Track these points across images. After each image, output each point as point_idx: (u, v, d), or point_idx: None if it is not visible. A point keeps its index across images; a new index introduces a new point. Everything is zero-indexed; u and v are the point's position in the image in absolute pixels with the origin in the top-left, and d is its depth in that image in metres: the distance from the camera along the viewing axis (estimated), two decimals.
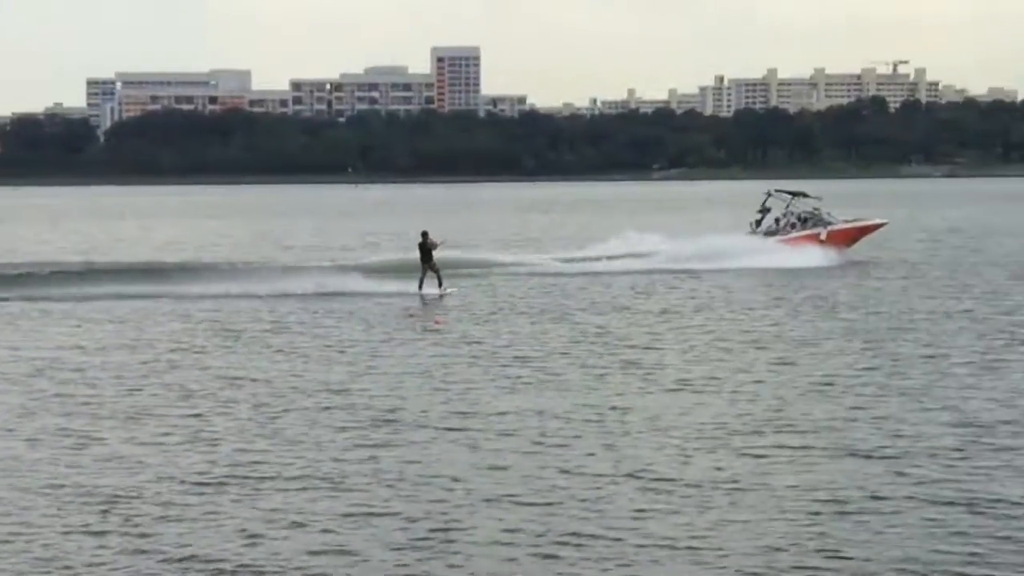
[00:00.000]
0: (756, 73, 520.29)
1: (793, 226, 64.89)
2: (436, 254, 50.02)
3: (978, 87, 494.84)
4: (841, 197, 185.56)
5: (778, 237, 64.03)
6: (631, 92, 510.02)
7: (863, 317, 41.03)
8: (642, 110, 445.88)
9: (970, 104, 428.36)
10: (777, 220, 65.71)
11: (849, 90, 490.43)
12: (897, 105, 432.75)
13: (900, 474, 20.58)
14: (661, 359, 33.05)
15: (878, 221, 68.72)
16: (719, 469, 21.19)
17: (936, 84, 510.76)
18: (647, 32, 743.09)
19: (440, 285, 49.87)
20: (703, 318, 41.70)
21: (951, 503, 18.88)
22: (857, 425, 24.25)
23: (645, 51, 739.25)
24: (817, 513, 18.57)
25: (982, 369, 30.31)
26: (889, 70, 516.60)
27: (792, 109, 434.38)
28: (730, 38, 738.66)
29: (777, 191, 68.00)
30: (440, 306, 46.76)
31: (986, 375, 29.48)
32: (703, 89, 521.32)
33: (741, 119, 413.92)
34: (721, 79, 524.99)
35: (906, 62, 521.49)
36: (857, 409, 25.74)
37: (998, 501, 18.87)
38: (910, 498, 19.20)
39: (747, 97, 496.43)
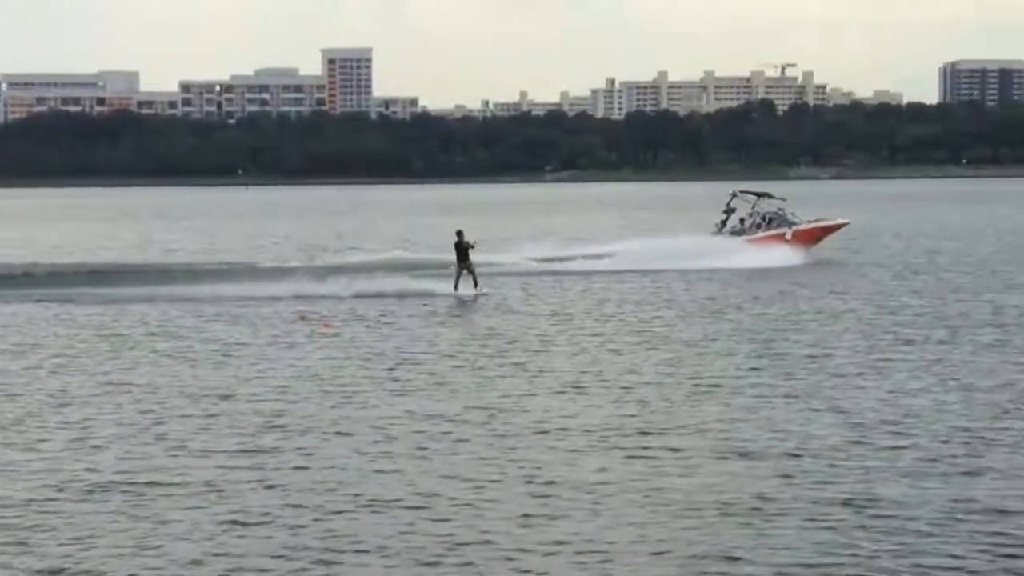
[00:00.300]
0: (646, 76, 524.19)
1: (758, 226, 65.58)
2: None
3: (865, 90, 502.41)
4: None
5: (744, 237, 64.69)
6: (523, 94, 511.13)
7: (751, 318, 41.38)
8: (534, 112, 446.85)
9: (857, 107, 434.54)
10: (742, 220, 66.38)
11: (738, 93, 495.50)
12: (785, 108, 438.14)
13: (786, 475, 20.72)
14: (550, 361, 33.06)
15: (840, 221, 69.72)
16: (607, 471, 21.21)
17: (824, 87, 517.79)
18: (539, 34, 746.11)
19: (476, 285, 49.72)
20: (593, 320, 41.81)
21: (836, 503, 19.02)
22: (744, 426, 24.40)
23: (537, 53, 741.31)
24: (704, 515, 18.64)
25: (866, 369, 30.65)
26: (777, 73, 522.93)
27: (682, 112, 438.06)
28: (621, 41, 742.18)
29: (742, 192, 68.81)
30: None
31: (870, 375, 29.81)
32: (594, 91, 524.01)
33: (632, 121, 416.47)
34: (612, 82, 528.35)
35: (794, 65, 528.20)
36: (744, 410, 25.92)
37: (881, 501, 19.05)
38: (796, 499, 19.32)
39: (638, 100, 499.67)
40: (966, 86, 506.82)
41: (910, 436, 23.20)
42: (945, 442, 22.68)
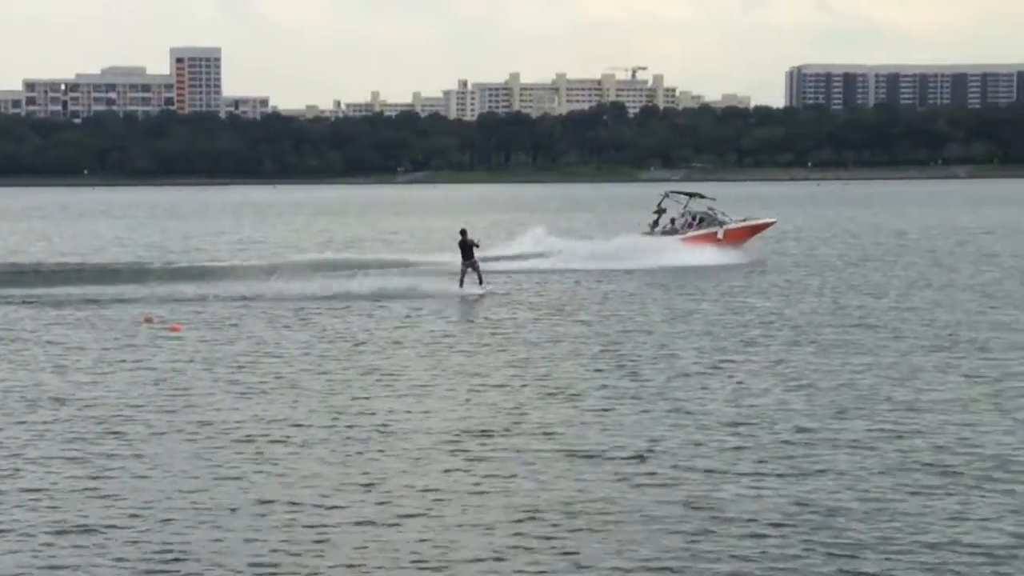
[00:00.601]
0: (499, 77, 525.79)
1: (690, 225, 66.94)
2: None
3: (713, 94, 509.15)
4: (582, 203, 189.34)
5: (677, 236, 65.86)
6: (375, 95, 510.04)
7: (600, 319, 41.57)
8: (386, 113, 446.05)
9: (706, 110, 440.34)
10: (673, 220, 67.61)
11: (590, 95, 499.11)
12: (636, 111, 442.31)
13: (629, 477, 20.77)
14: (400, 363, 32.85)
15: (767, 220, 71.64)
16: (450, 474, 21.09)
17: (673, 90, 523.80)
18: (391, 35, 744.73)
19: (480, 283, 50.00)
20: (443, 323, 41.69)
21: (678, 504, 19.09)
22: (588, 428, 24.44)
23: (389, 54, 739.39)
24: (548, 517, 18.59)
25: (711, 370, 30.92)
26: (628, 76, 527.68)
27: (534, 114, 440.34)
28: (474, 42, 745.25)
29: (674, 192, 70.70)
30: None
31: (715, 376, 30.09)
32: (447, 93, 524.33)
33: (485, 123, 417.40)
34: (465, 83, 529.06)
35: (644, 68, 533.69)
36: (589, 412, 25.97)
37: (723, 502, 19.17)
38: (639, 501, 19.35)
39: (491, 101, 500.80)
40: (812, 90, 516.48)
41: (752, 437, 23.42)
42: (786, 443, 22.91)
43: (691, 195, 69.70)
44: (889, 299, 46.36)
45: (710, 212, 68.57)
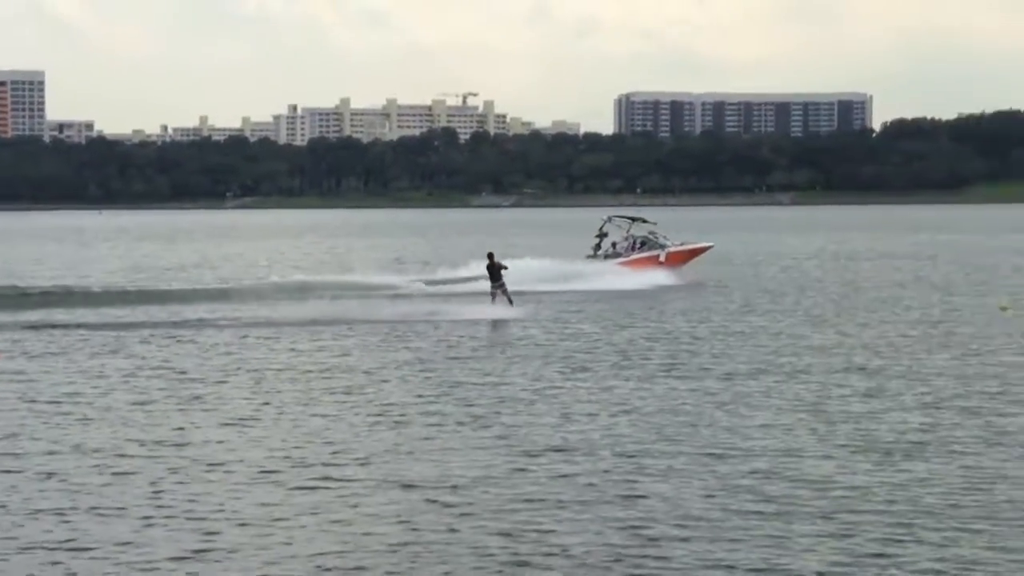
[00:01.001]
0: (329, 102, 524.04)
1: (633, 249, 69.12)
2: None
3: (544, 120, 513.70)
4: (415, 228, 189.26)
5: (620, 260, 67.77)
6: (203, 119, 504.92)
7: (430, 346, 41.40)
8: (214, 138, 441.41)
9: (536, 137, 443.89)
10: (614, 244, 69.86)
11: (421, 121, 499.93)
12: (467, 136, 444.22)
13: (449, 505, 20.58)
14: (225, 392, 32.30)
15: (705, 244, 74.31)
16: (273, 505, 20.71)
17: (504, 116, 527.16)
18: (219, 59, 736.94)
19: (510, 303, 51.53)
20: (269, 349, 41.11)
21: (496, 534, 18.94)
22: (411, 457, 24.19)
23: (217, 78, 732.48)
24: (369, 546, 18.35)
25: (538, 397, 30.91)
26: (459, 102, 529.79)
27: (365, 139, 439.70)
28: (303, 67, 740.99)
29: (617, 217, 73.28)
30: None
31: (541, 403, 30.08)
32: (277, 118, 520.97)
33: (315, 148, 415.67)
34: (295, 108, 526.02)
35: (475, 94, 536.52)
36: (414, 440, 25.73)
37: (541, 531, 19.04)
38: (456, 530, 19.14)
39: (321, 126, 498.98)
40: (640, 118, 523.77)
41: (576, 464, 23.41)
42: (609, 469, 22.92)
43: (633, 219, 71.90)
44: (714, 324, 46.97)
45: (651, 236, 70.61)
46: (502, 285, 52.35)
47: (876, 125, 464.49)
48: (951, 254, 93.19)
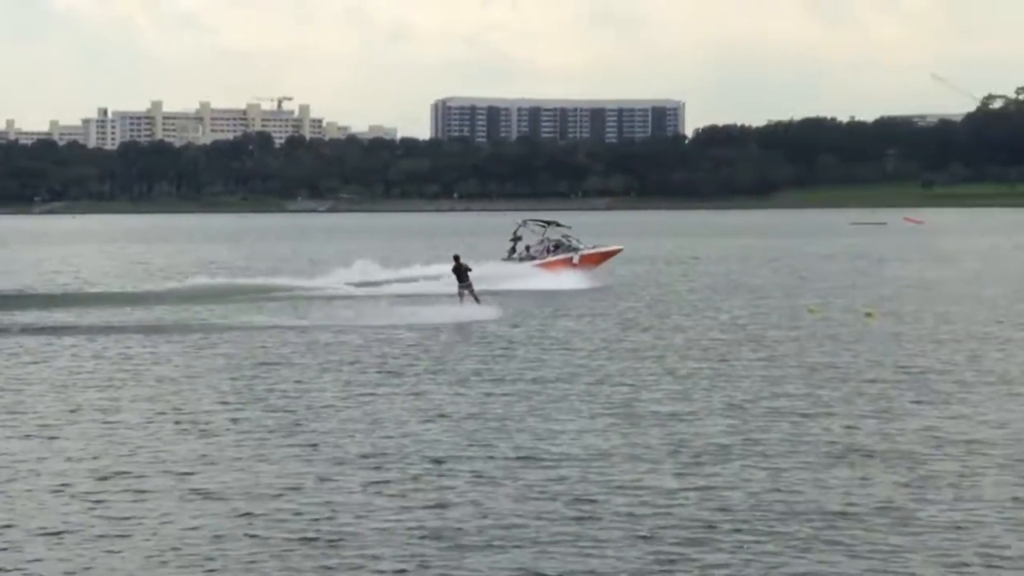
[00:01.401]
0: (141, 106, 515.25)
1: (549, 251, 71.27)
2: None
3: (360, 125, 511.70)
4: (228, 234, 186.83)
5: (535, 262, 69.73)
6: (10, 123, 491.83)
7: (242, 352, 40.68)
8: (21, 142, 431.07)
9: (352, 141, 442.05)
10: (528, 248, 72.07)
11: (235, 125, 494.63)
12: (282, 141, 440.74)
13: (261, 515, 20.20)
14: (25, 401, 31.30)
15: (615, 247, 76.14)
16: (70, 517, 20.08)
17: (320, 121, 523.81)
18: (27, 60, 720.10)
19: (478, 302, 53.02)
20: (73, 359, 40.01)
21: (297, 541, 18.65)
22: (213, 466, 23.69)
23: (25, 80, 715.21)
24: (165, 557, 17.92)
25: (351, 403, 30.55)
26: (274, 106, 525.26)
27: (178, 143, 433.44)
28: (114, 69, 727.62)
29: (531, 221, 75.26)
30: None
31: (352, 408, 29.74)
32: (86, 121, 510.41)
33: (126, 152, 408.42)
34: (105, 111, 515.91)
35: (290, 99, 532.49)
36: (218, 449, 25.22)
37: (346, 538, 18.79)
38: (259, 538, 18.82)
39: (132, 130, 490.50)
40: (457, 123, 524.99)
41: (386, 470, 23.16)
42: (416, 477, 22.68)
43: (548, 223, 73.86)
44: (529, 328, 47.01)
45: (565, 239, 72.70)
46: (469, 285, 53.91)
47: (688, 131, 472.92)
48: (761, 258, 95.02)
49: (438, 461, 23.85)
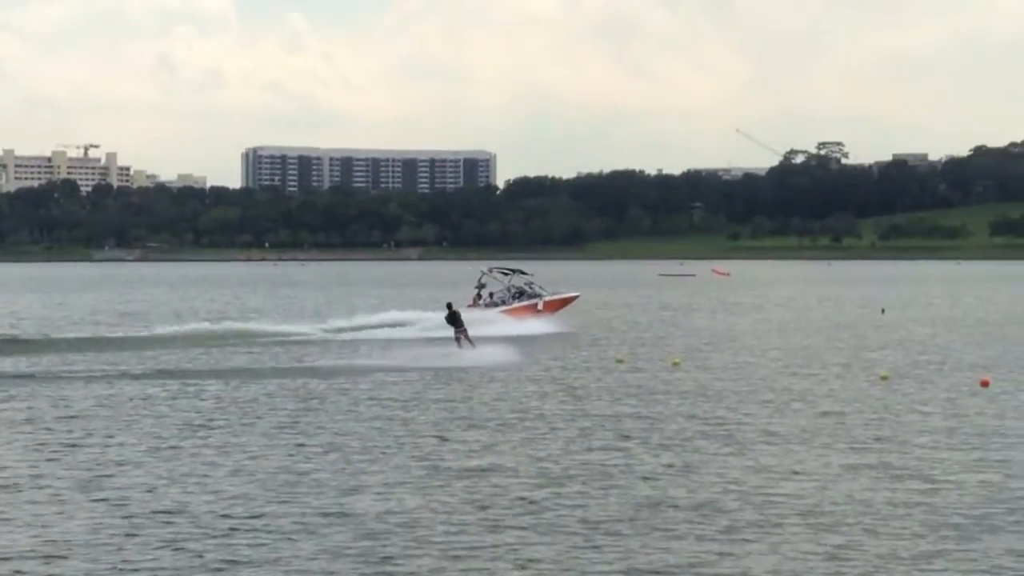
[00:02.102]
0: None
1: (515, 297, 74.49)
2: None
3: (169, 173, 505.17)
4: (34, 281, 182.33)
5: (501, 308, 72.75)
6: None
7: (46, 405, 39.45)
8: None
9: (161, 190, 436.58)
10: (491, 294, 75.03)
11: (40, 173, 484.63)
12: (89, 189, 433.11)
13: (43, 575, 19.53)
14: None
15: (574, 293, 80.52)
16: None
17: (128, 169, 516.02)
18: None
19: (473, 345, 56.68)
20: None
21: None
22: (14, 523, 22.85)
23: None
24: None
25: (149, 458, 29.74)
26: (80, 154, 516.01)
27: None
28: None
29: (495, 269, 79.04)
30: None
31: (153, 463, 28.94)
32: None
33: None
34: None
35: (97, 146, 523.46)
36: (20, 505, 24.35)
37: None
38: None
39: None
40: (268, 172, 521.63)
41: (183, 527, 22.54)
42: (211, 536, 22.01)
43: (512, 271, 77.44)
44: (337, 382, 46.39)
45: (528, 287, 75.93)
46: (463, 330, 57.89)
47: (500, 182, 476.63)
48: (572, 308, 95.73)
49: (232, 517, 23.20)
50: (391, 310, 78.79)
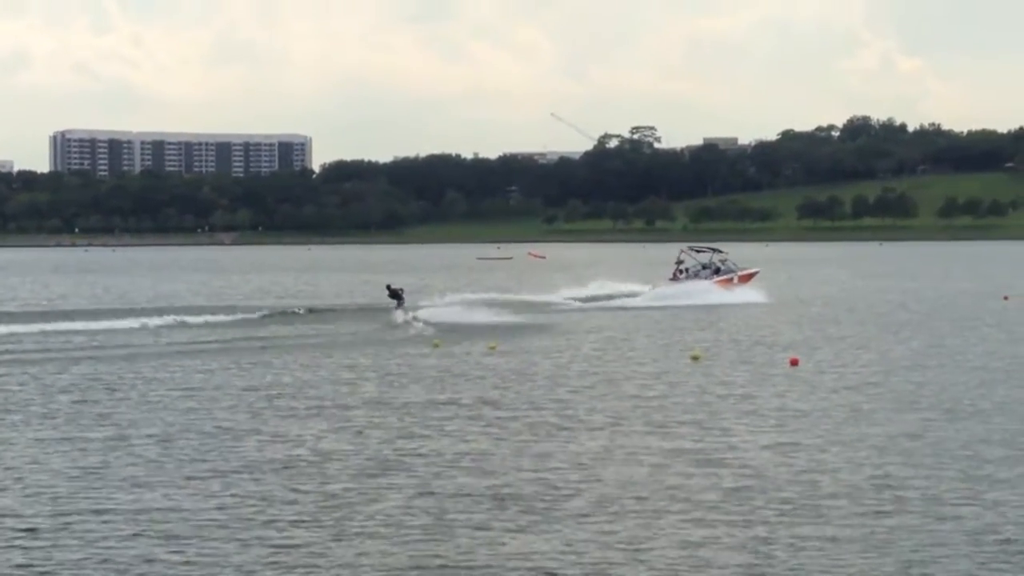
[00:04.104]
0: None
1: (717, 272, 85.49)
2: None
3: None
4: None
5: (716, 279, 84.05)
6: None
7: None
8: None
9: None
10: (687, 269, 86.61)
11: None
12: None
13: None
14: None
15: (755, 269, 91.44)
16: None
17: None
18: None
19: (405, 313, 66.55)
20: None
21: None
22: None
23: None
24: None
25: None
26: None
27: None
28: None
29: (693, 247, 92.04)
30: None
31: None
32: None
33: None
34: None
35: None
36: None
37: None
38: None
39: None
40: (77, 156, 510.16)
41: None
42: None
43: (714, 250, 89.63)
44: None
45: (722, 263, 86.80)
46: (403, 304, 68.44)
47: (316, 167, 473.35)
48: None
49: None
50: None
